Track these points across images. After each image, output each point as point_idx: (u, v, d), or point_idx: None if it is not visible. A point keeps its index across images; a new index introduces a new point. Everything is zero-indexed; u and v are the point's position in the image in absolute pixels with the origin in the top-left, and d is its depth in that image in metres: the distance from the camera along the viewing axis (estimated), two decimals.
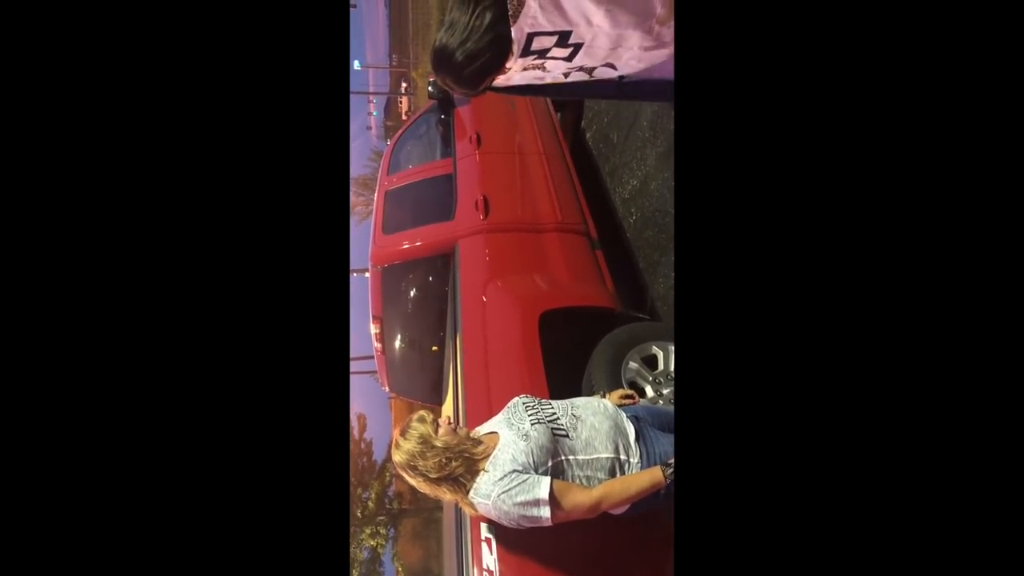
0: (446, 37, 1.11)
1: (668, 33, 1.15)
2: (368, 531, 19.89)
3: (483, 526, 1.58)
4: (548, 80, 1.30)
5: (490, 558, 1.56)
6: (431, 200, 3.25)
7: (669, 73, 1.29)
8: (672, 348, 2.23)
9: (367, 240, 3.25)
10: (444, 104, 3.88)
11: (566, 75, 1.27)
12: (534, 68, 1.23)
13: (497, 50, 1.11)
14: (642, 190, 3.17)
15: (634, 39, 1.17)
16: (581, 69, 1.25)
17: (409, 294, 3.22)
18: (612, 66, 1.25)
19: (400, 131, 4.30)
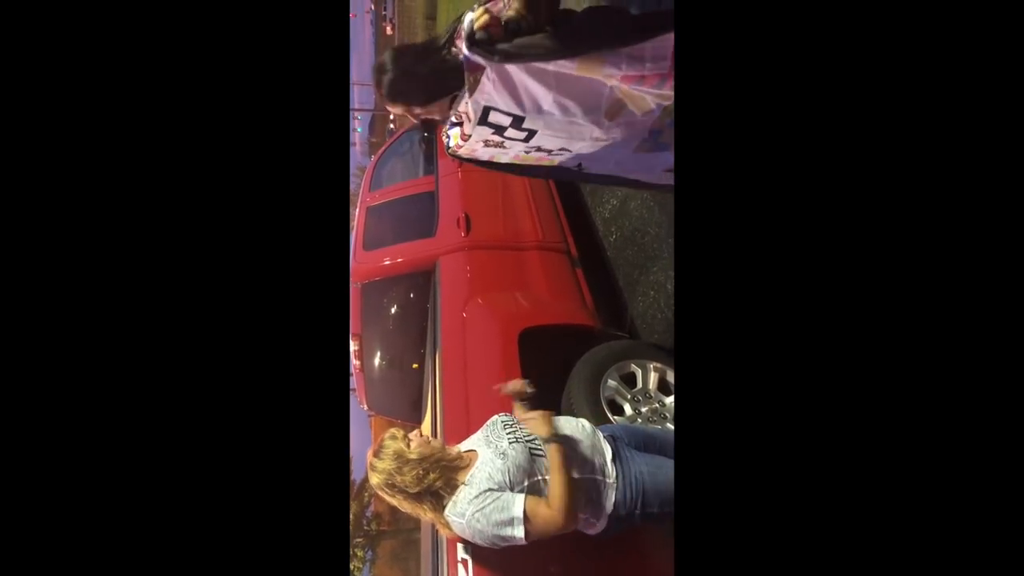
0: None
1: (617, 130, 1.19)
2: None
3: (459, 547, 1.56)
4: (511, 154, 1.35)
5: None
6: (413, 217, 3.24)
7: (626, 169, 1.34)
8: (651, 366, 2.24)
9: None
10: (427, 122, 3.88)
11: (527, 152, 1.32)
12: (495, 146, 1.29)
13: (424, 70, 1.19)
14: (622, 209, 3.20)
15: (585, 131, 1.20)
16: (540, 150, 1.30)
17: (389, 311, 3.20)
18: (567, 151, 1.30)
19: (383, 148, 4.30)
